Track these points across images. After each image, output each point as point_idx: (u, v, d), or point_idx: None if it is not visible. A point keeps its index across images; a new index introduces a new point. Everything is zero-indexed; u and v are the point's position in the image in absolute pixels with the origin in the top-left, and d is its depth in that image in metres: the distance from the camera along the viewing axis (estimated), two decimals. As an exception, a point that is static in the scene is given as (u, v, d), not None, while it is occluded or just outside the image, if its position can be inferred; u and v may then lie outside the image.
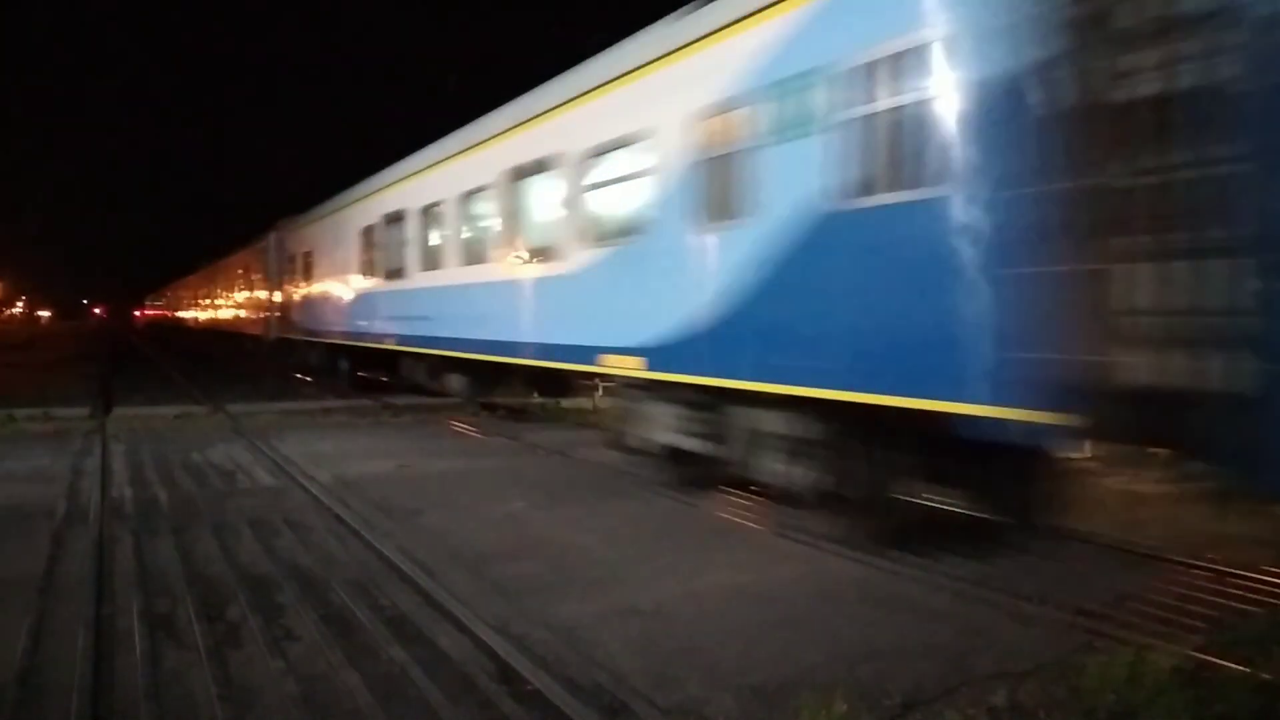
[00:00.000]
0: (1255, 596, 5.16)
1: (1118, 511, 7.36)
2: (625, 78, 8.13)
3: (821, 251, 5.89)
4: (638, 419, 8.46)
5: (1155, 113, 4.30)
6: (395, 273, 14.40)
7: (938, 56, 5.06)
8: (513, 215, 10.44)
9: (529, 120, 9.95)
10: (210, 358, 30.38)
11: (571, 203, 9.04)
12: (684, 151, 7.22)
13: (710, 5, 7.10)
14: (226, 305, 37.07)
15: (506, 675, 3.98)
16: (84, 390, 17.07)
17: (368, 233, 15.94)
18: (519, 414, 14.52)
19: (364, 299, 16.27)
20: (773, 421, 6.69)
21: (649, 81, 7.77)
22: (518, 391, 13.86)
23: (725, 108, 6.74)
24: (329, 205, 19.07)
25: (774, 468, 6.81)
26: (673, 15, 7.80)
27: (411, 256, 13.68)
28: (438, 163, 12.74)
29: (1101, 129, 4.45)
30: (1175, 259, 4.29)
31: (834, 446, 6.21)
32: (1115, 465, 9.28)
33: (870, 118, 5.47)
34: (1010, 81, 4.68)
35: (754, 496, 7.60)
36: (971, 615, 4.84)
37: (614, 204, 8.49)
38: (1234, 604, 5.03)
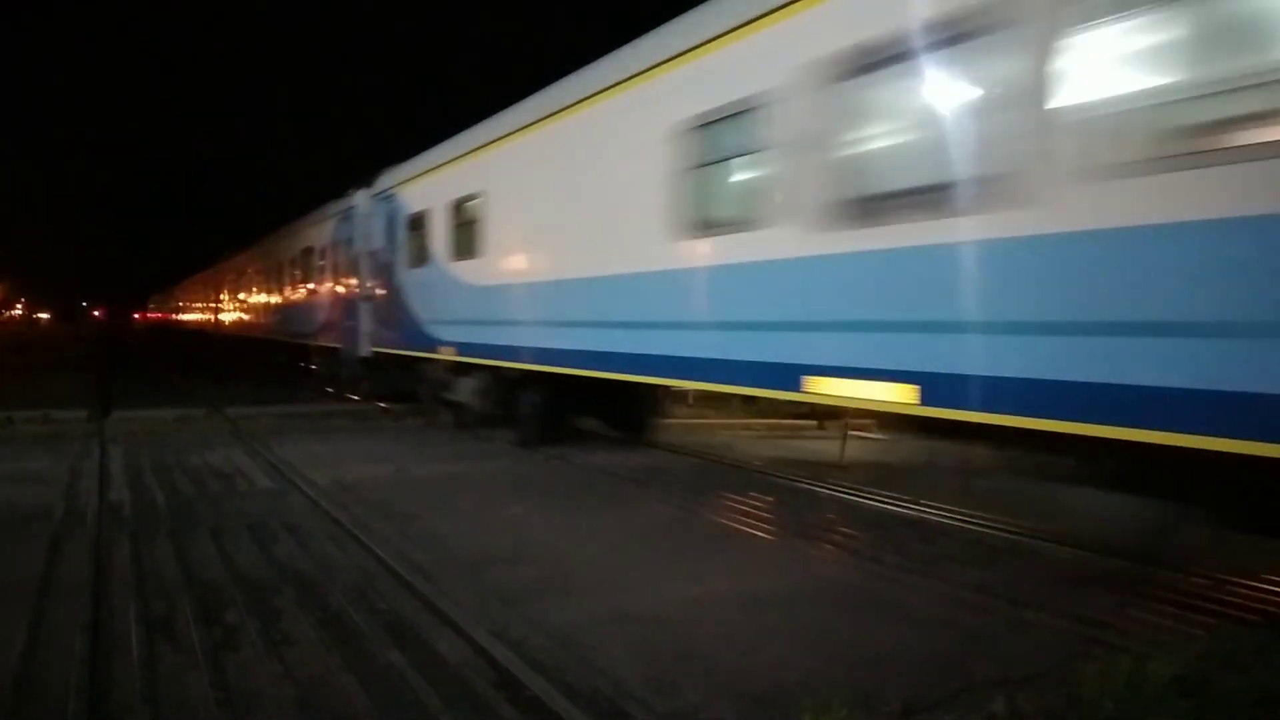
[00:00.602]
0: (1254, 604, 5.15)
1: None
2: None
3: None
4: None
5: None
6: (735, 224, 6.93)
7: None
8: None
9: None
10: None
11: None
12: None
13: None
14: (270, 303, 25.78)
15: (504, 680, 3.97)
16: (82, 392, 17.05)
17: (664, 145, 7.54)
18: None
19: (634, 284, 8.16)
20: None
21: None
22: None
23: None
24: (527, 110, 10.22)
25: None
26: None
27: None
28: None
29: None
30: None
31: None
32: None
33: None
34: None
35: (754, 502, 7.59)
36: (971, 622, 4.84)
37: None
38: (1233, 611, 5.03)
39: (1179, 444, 4.10)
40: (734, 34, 6.83)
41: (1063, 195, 4.54)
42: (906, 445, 11.46)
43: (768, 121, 6.44)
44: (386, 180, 14.68)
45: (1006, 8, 4.79)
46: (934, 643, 4.50)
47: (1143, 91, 4.36)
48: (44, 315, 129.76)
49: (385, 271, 14.75)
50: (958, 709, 3.73)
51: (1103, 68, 4.53)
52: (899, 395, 5.41)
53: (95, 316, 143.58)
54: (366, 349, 15.75)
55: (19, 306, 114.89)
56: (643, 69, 8.05)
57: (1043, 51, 4.59)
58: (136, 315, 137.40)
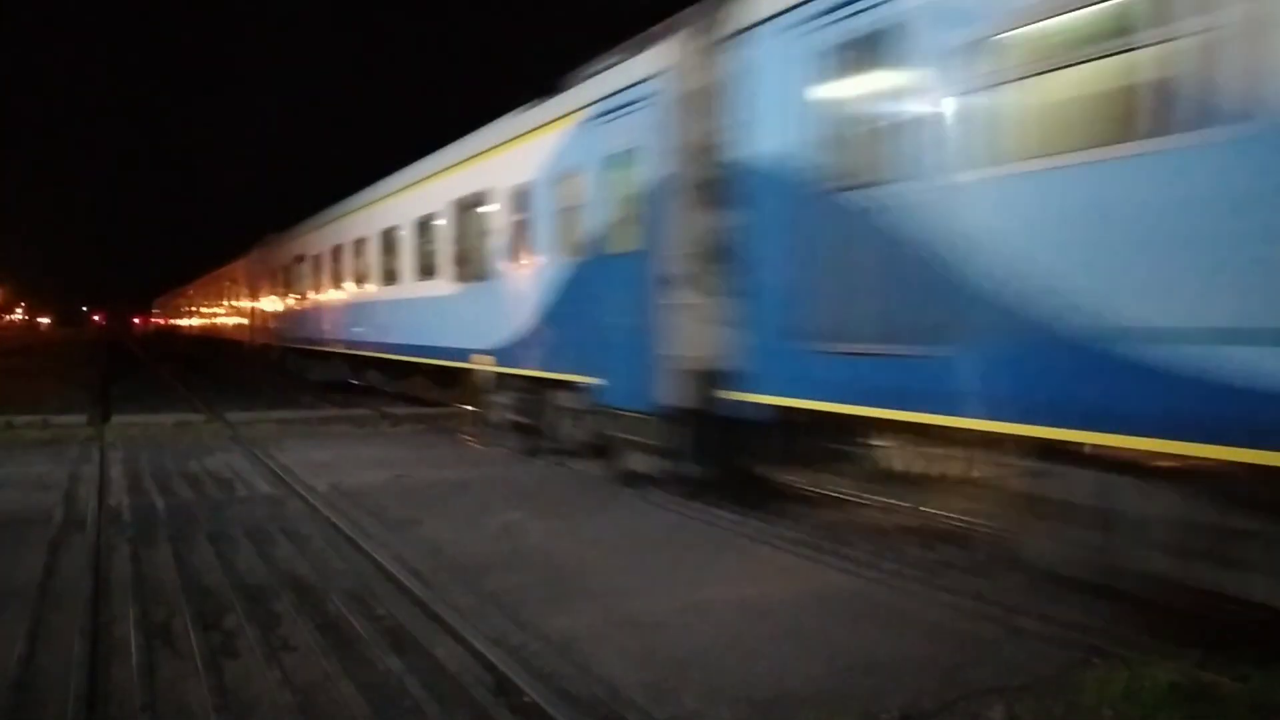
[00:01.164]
0: (1253, 612, 5.14)
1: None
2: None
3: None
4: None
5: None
6: None
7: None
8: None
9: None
10: (215, 369, 30.24)
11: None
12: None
13: None
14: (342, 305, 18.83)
15: (503, 687, 3.97)
16: (83, 397, 17.06)
17: None
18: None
19: None
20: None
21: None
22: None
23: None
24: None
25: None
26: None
27: None
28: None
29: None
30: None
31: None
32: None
33: None
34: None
35: (752, 508, 7.59)
36: (970, 629, 4.84)
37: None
38: (1232, 619, 5.02)
39: None
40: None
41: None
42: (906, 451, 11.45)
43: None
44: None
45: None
46: (933, 650, 4.49)
47: None
48: (44, 320, 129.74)
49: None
50: (956, 716, 3.73)
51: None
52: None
53: (96, 321, 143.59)
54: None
55: (19, 310, 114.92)
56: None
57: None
58: (136, 320, 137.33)
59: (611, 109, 8.48)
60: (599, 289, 8.73)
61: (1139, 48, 4.19)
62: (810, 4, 6.05)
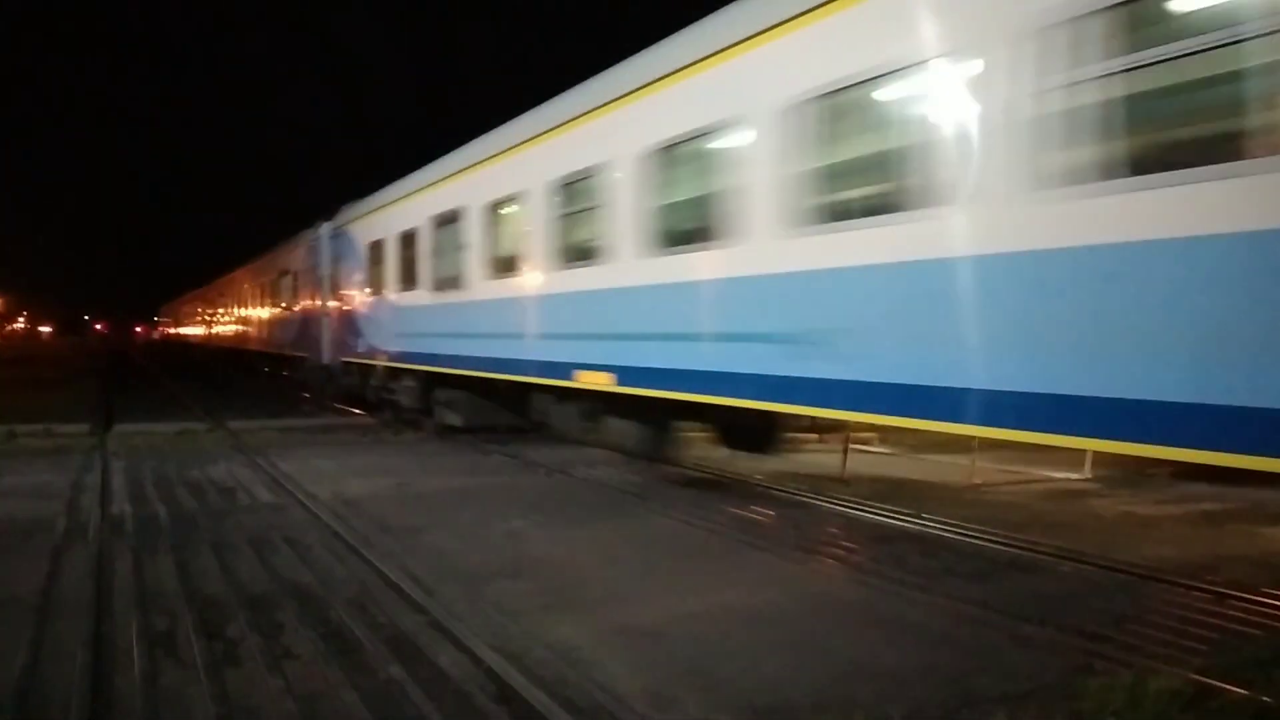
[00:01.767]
0: (1255, 619, 5.15)
1: (1117, 532, 7.37)
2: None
3: None
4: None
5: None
6: None
7: None
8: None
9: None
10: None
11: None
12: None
13: None
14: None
15: (505, 694, 3.97)
16: (85, 406, 17.08)
17: None
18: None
19: None
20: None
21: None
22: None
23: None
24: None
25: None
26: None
27: None
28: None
29: None
30: None
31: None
32: (1114, 486, 9.29)
33: None
34: None
35: (755, 516, 7.60)
36: (972, 636, 4.84)
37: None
38: (1234, 626, 5.02)
39: None
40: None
41: None
42: (908, 459, 11.47)
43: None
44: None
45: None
46: (935, 657, 4.49)
47: None
48: (46, 329, 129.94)
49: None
50: (958, 724, 3.72)
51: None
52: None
53: (98, 330, 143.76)
54: None
55: (21, 320, 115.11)
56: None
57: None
58: (138, 329, 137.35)
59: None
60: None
61: None
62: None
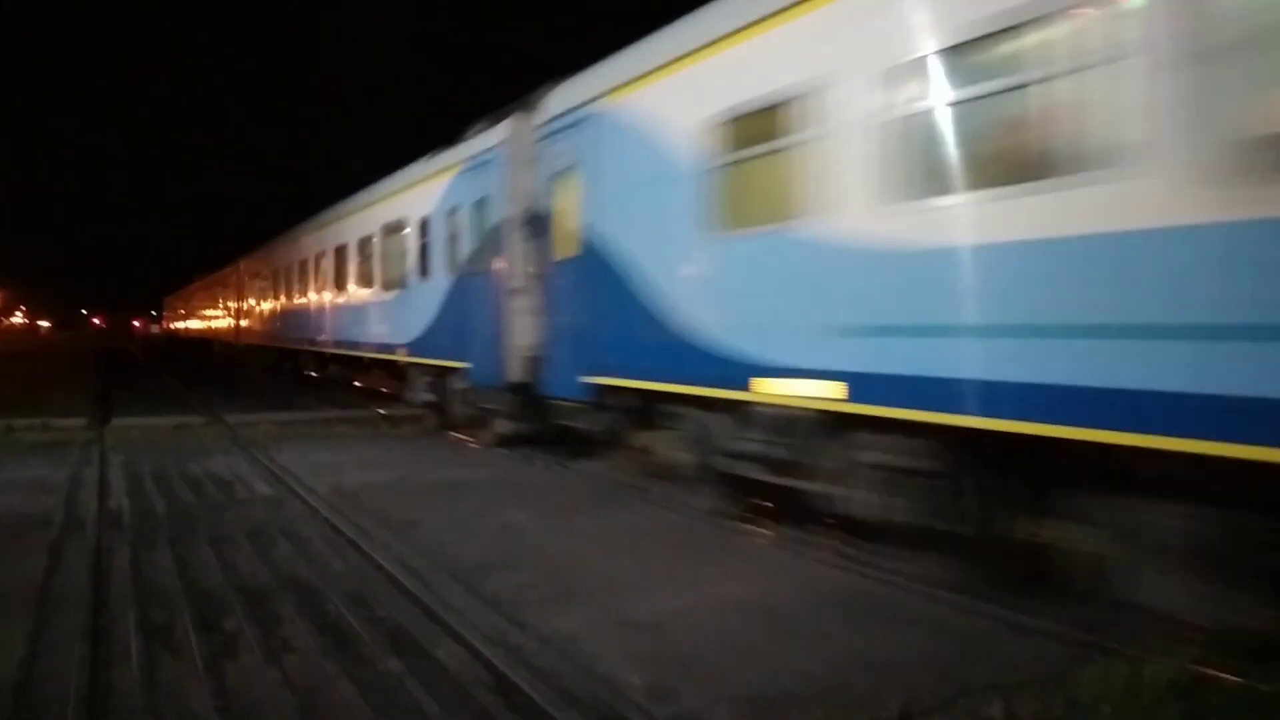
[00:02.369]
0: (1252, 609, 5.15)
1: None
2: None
3: None
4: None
5: None
6: None
7: None
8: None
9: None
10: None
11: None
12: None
13: None
14: None
15: (503, 687, 3.98)
16: (82, 400, 17.06)
17: None
18: None
19: None
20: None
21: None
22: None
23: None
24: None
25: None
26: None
27: None
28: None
29: None
30: None
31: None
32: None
33: None
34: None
35: (753, 506, 7.60)
36: (969, 626, 4.84)
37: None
38: (1232, 616, 5.02)
39: None
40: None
41: None
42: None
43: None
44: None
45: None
46: (932, 647, 4.50)
47: None
48: (44, 323, 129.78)
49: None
50: (955, 713, 3.73)
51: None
52: None
53: (96, 325, 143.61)
54: None
55: (19, 314, 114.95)
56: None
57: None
58: (136, 323, 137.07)
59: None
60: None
61: None
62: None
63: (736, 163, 6.89)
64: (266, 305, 27.62)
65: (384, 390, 17.51)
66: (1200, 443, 3.98)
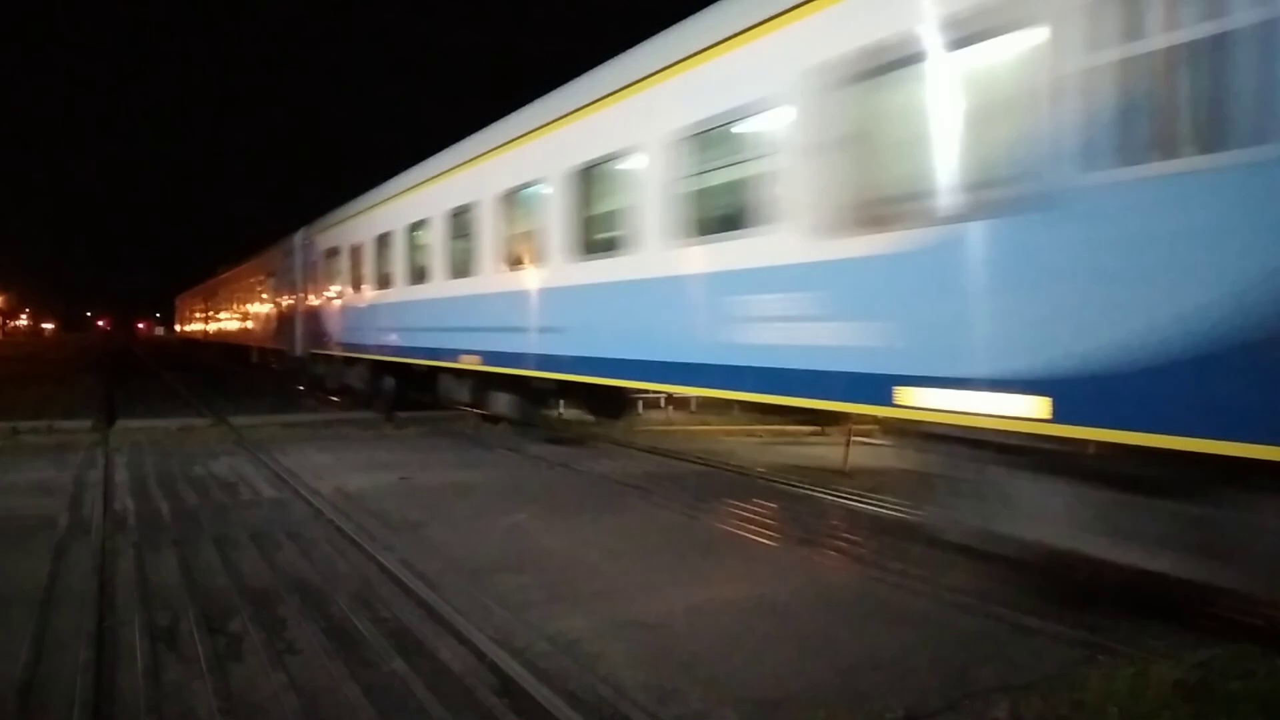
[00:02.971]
0: (1259, 610, 5.13)
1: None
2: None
3: None
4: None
5: None
6: None
7: None
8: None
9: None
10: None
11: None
12: None
13: None
14: None
15: (508, 688, 3.98)
16: (87, 402, 17.09)
17: None
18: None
19: None
20: None
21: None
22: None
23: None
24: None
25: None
26: None
27: None
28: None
29: None
30: None
31: None
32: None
33: None
34: None
35: (756, 508, 7.60)
36: (975, 628, 4.84)
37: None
38: (1237, 617, 5.01)
39: None
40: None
41: None
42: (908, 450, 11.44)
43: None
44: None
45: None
46: (937, 649, 4.49)
47: None
48: (49, 325, 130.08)
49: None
50: (961, 714, 3.72)
51: None
52: None
53: (100, 327, 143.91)
54: None
55: (24, 316, 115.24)
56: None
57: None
58: (140, 325, 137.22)
59: None
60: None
61: None
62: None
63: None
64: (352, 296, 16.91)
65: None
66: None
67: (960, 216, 4.80)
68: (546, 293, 9.25)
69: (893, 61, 5.14)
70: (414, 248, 13.22)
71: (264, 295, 26.42)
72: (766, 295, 6.24)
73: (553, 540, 6.79)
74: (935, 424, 4.96)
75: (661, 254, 7.26)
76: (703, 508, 7.87)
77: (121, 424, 13.77)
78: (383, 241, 14.49)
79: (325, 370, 18.86)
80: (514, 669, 4.12)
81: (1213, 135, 3.77)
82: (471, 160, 11.13)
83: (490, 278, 10.50)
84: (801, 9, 5.82)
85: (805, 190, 5.82)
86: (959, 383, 4.75)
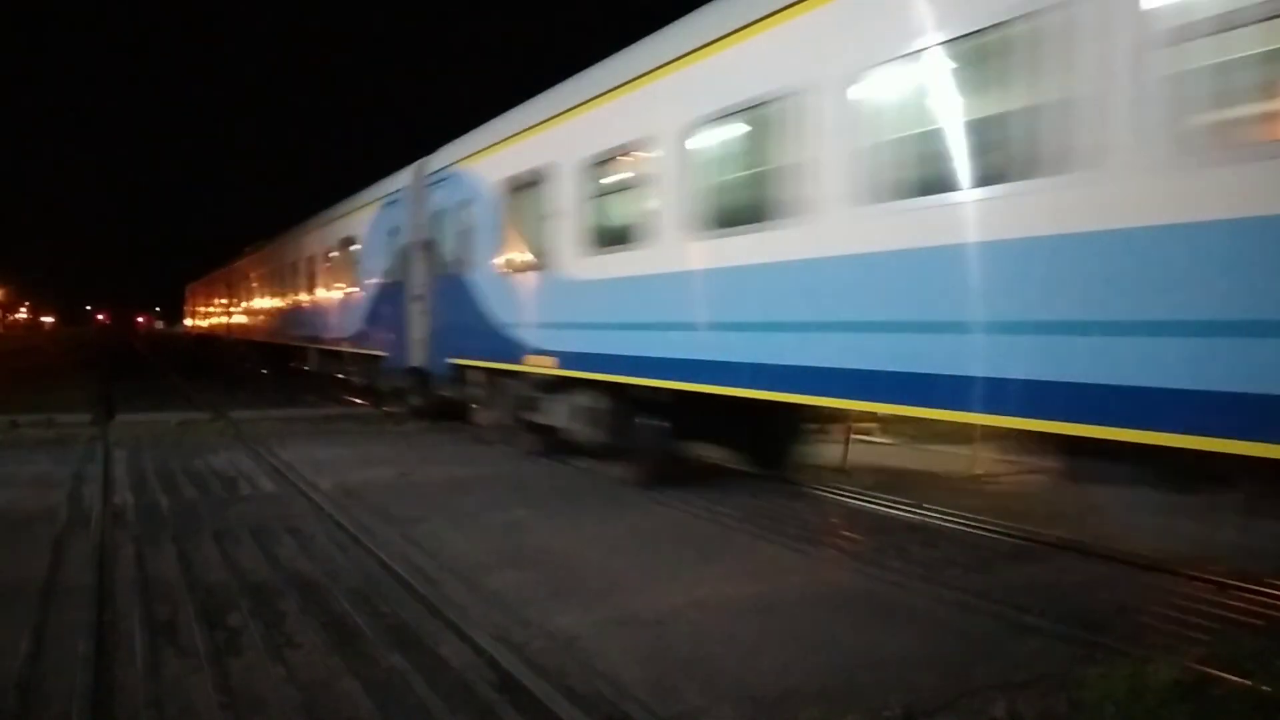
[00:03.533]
0: (1256, 609, 5.15)
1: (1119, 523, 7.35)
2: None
3: None
4: None
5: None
6: None
7: None
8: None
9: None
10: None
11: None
12: None
13: None
14: None
15: (507, 684, 3.98)
16: (87, 397, 17.10)
17: None
18: None
19: None
20: None
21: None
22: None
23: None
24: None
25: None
26: None
27: None
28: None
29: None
30: None
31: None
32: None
33: None
34: None
35: (756, 506, 7.61)
36: (973, 626, 4.84)
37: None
38: (1234, 616, 5.02)
39: None
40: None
41: None
42: (909, 449, 11.47)
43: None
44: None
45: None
46: (936, 647, 4.50)
47: None
48: (48, 319, 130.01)
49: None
50: (959, 713, 3.73)
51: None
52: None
53: (100, 321, 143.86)
54: None
55: (24, 310, 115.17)
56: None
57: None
58: (139, 319, 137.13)
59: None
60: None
61: None
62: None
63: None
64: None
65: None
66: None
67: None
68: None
69: None
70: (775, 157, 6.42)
71: (337, 273, 18.27)
72: None
73: (552, 537, 6.80)
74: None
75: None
76: (702, 505, 7.87)
77: (121, 418, 13.77)
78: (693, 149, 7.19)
79: (486, 394, 11.66)
80: (513, 664, 4.13)
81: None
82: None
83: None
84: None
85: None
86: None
